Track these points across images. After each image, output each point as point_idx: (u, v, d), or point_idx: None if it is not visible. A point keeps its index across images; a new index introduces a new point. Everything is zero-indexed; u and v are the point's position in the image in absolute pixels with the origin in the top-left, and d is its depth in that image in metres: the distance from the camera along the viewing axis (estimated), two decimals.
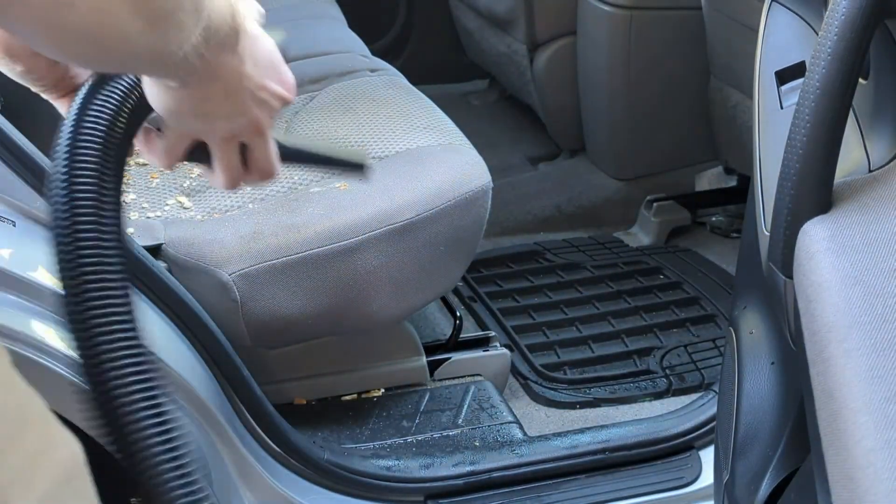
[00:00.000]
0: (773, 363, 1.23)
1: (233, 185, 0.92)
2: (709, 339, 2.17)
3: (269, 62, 0.89)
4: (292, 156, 0.98)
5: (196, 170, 1.79)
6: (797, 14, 1.11)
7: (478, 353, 1.99)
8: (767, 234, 0.97)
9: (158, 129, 0.89)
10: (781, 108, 1.08)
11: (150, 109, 0.84)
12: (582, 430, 1.87)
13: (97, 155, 0.80)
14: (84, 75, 0.85)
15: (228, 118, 0.86)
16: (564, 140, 2.79)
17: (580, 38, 2.61)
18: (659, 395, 2.03)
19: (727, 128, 2.39)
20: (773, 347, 1.23)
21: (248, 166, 0.92)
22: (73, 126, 0.80)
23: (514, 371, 2.07)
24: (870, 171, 0.91)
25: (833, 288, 0.81)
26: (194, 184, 1.82)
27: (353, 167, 1.04)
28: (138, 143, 0.88)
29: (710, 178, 2.65)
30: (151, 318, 1.50)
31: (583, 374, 2.09)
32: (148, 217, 1.75)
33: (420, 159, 1.80)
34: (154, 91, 0.82)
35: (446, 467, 1.76)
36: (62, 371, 1.32)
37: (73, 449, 0.71)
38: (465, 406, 1.91)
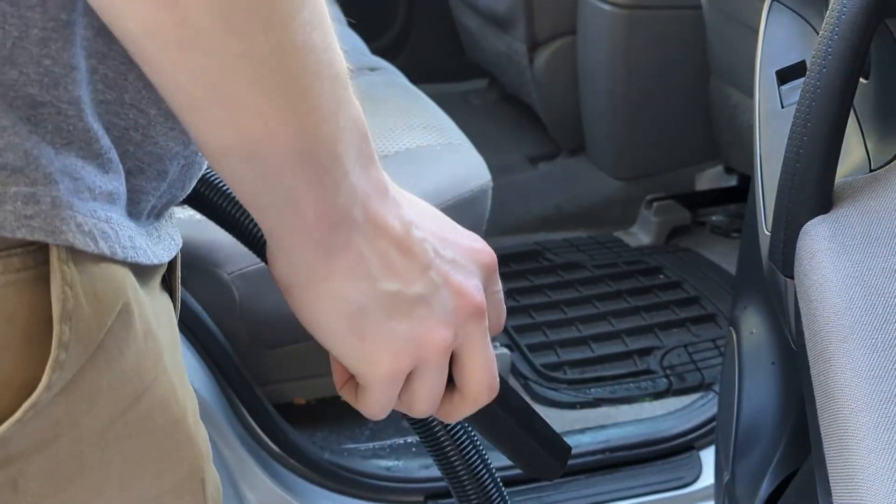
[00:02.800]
0: (773, 363, 1.23)
1: (431, 411, 0.68)
2: (709, 339, 2.17)
3: (431, 211, 0.68)
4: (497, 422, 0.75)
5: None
6: (798, 13, 1.11)
7: None
8: (768, 233, 0.97)
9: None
10: (782, 107, 1.08)
11: None
12: (582, 430, 1.87)
13: None
14: None
15: (426, 300, 0.63)
16: (564, 139, 2.79)
17: (580, 38, 2.61)
18: (659, 395, 2.02)
19: (727, 127, 2.39)
20: (773, 347, 1.22)
21: (456, 383, 0.68)
22: None
23: (514, 371, 2.07)
24: (871, 170, 0.91)
25: (834, 288, 0.81)
26: None
27: (549, 462, 0.80)
28: (347, 395, 0.69)
29: (710, 178, 2.64)
30: None
31: (583, 374, 2.09)
32: None
33: (420, 159, 1.80)
34: (312, 299, 0.61)
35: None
36: None
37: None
38: None
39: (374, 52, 2.33)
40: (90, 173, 0.57)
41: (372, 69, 2.17)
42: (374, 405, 0.65)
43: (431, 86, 2.50)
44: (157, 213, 0.65)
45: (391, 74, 2.16)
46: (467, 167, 1.79)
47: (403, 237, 0.62)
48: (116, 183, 0.59)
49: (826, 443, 0.73)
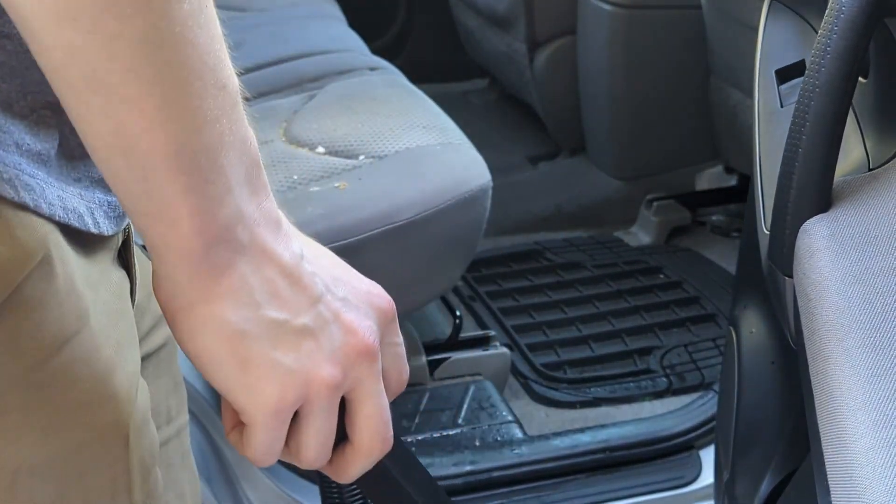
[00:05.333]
0: (773, 362, 1.23)
1: (320, 461, 0.65)
2: (709, 339, 2.16)
3: (328, 253, 0.67)
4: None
5: None
6: (797, 13, 1.11)
7: (478, 353, 1.99)
8: (767, 232, 0.97)
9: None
10: (781, 106, 1.08)
11: None
12: (582, 430, 1.87)
13: None
14: None
15: (313, 334, 0.61)
16: (564, 139, 2.79)
17: (580, 37, 2.61)
18: (659, 395, 2.02)
19: (727, 127, 2.39)
20: (773, 347, 1.23)
21: (348, 433, 0.66)
22: None
23: (514, 370, 2.07)
24: (870, 169, 0.91)
25: (833, 287, 0.81)
26: None
27: None
28: (234, 440, 0.65)
29: (710, 178, 2.64)
30: None
31: (583, 373, 2.09)
32: None
33: (420, 158, 1.80)
34: (193, 324, 0.60)
35: (446, 467, 1.76)
36: None
37: None
38: (465, 405, 1.90)
39: (374, 52, 2.33)
40: (18, 130, 0.59)
41: (372, 69, 2.17)
42: (260, 446, 0.63)
43: (431, 86, 2.50)
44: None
45: (391, 74, 2.16)
46: (467, 167, 1.79)
47: (292, 267, 0.61)
48: (47, 144, 0.61)
49: (825, 441, 0.73)
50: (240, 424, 0.64)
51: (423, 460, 1.77)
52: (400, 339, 0.69)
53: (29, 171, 0.59)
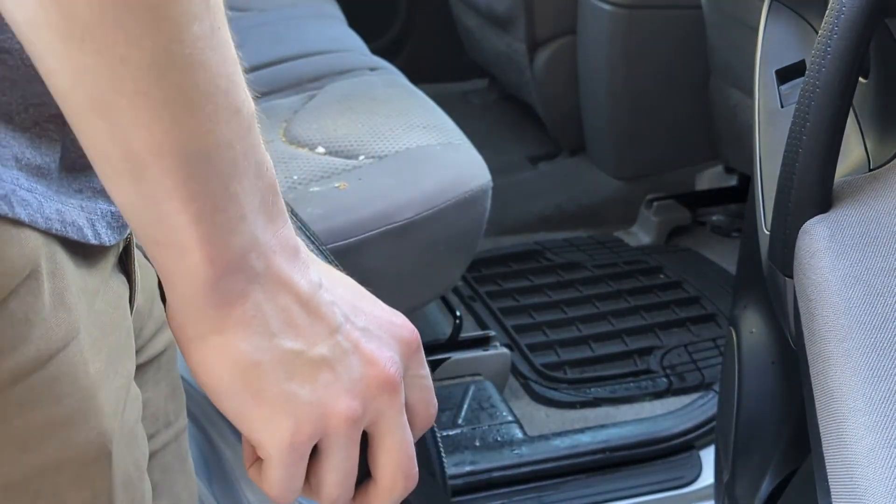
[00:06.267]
0: (773, 363, 1.23)
1: (342, 499, 0.63)
2: (709, 339, 2.16)
3: (349, 281, 0.65)
4: None
5: None
6: (797, 13, 1.11)
7: (478, 353, 1.99)
8: (767, 233, 0.97)
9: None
10: (781, 106, 1.08)
11: None
12: (582, 430, 1.87)
13: None
14: None
15: (331, 364, 0.59)
16: (564, 139, 2.79)
17: (580, 37, 2.61)
18: (659, 395, 2.02)
19: (727, 127, 2.39)
20: (773, 347, 1.22)
21: (370, 470, 0.64)
22: None
23: (514, 371, 2.07)
24: (870, 169, 0.91)
25: (833, 287, 0.81)
26: None
27: None
28: (253, 475, 0.63)
29: (710, 178, 2.64)
30: None
31: (583, 373, 2.09)
32: None
33: (420, 158, 1.80)
34: (207, 353, 0.59)
35: (446, 467, 1.76)
36: None
37: None
38: (465, 406, 1.90)
39: (374, 52, 2.33)
40: (19, 144, 0.58)
41: (372, 69, 2.17)
42: (278, 483, 0.60)
43: (431, 86, 2.50)
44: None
45: (391, 74, 2.15)
46: (467, 167, 1.79)
47: (309, 296, 0.59)
48: (48, 158, 0.60)
49: (825, 442, 0.73)
50: (259, 459, 0.62)
51: None
52: (426, 370, 0.66)
53: (27, 186, 0.58)
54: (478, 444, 1.82)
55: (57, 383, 0.60)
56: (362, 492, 0.65)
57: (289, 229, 0.59)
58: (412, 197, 1.71)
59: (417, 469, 0.64)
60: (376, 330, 0.63)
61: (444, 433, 1.84)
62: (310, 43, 2.27)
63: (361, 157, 1.77)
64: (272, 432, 0.59)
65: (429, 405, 0.67)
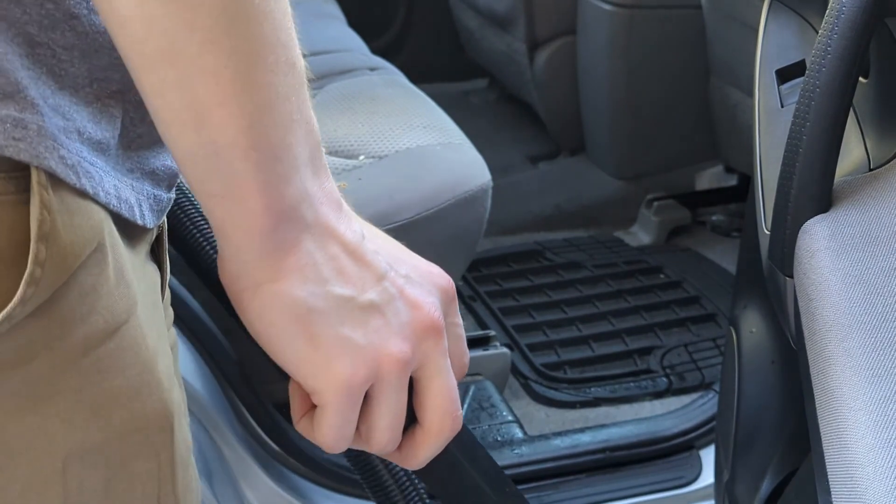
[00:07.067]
0: (773, 362, 1.23)
1: (392, 444, 0.65)
2: (709, 339, 2.16)
3: (386, 236, 0.67)
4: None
5: None
6: (797, 13, 1.11)
7: (478, 353, 1.99)
8: (768, 232, 0.97)
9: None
10: (781, 106, 1.08)
11: None
12: (582, 430, 1.87)
13: None
14: None
15: (380, 309, 0.61)
16: (564, 139, 2.79)
17: (580, 37, 2.61)
18: (659, 395, 2.02)
19: (727, 127, 2.39)
20: (773, 346, 1.23)
21: (417, 415, 0.66)
22: None
23: (515, 370, 2.07)
24: (870, 169, 0.91)
25: (833, 287, 0.81)
26: None
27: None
28: (303, 427, 0.65)
29: (710, 177, 2.64)
30: None
31: (583, 373, 2.09)
32: None
33: (420, 158, 1.80)
34: (264, 304, 0.60)
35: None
36: None
37: None
38: (465, 405, 1.90)
39: (374, 51, 2.33)
40: (82, 118, 0.58)
41: (372, 69, 2.17)
42: (331, 430, 0.62)
43: (431, 85, 2.50)
44: (168, 183, 0.66)
45: (391, 74, 2.16)
46: (467, 166, 1.79)
47: (355, 246, 0.61)
48: (108, 133, 0.60)
49: (825, 441, 0.73)
50: (310, 412, 0.64)
51: None
52: (460, 320, 0.68)
53: (89, 159, 0.59)
54: None
55: (122, 354, 0.61)
56: (408, 438, 0.66)
57: (332, 183, 0.61)
58: (412, 197, 1.72)
59: (461, 412, 0.66)
60: (417, 278, 0.65)
61: None
62: (310, 43, 2.26)
63: (361, 157, 1.78)
64: (330, 376, 0.61)
65: (462, 354, 0.69)
